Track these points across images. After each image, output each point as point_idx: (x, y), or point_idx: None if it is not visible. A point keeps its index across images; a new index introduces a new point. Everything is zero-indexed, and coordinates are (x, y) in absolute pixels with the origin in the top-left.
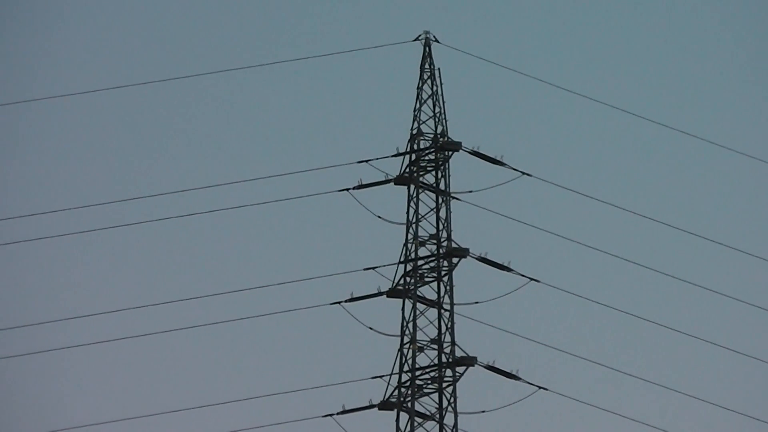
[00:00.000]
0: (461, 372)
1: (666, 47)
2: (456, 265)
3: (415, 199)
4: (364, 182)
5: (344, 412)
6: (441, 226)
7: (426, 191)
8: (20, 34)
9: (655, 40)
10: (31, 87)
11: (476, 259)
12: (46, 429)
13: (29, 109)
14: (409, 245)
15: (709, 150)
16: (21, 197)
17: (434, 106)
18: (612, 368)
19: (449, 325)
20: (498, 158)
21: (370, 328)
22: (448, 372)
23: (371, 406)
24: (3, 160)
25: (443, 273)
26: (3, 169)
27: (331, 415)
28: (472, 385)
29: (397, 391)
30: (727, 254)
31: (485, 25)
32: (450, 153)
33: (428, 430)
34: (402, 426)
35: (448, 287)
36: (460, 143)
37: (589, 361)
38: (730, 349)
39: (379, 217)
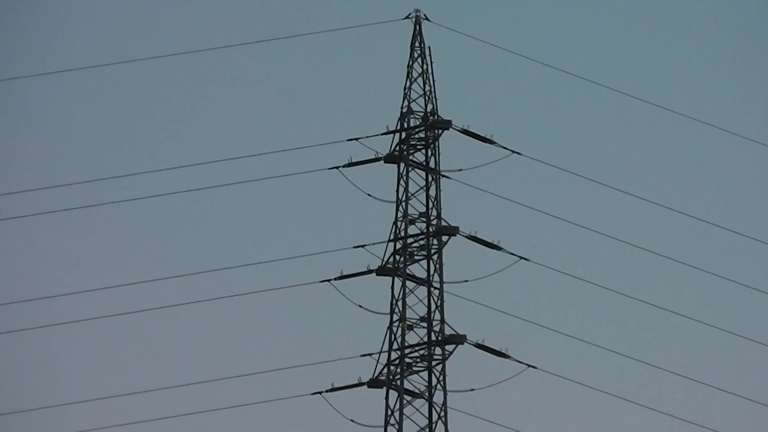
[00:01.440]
0: (450, 350)
1: (657, 26)
2: (446, 243)
3: (404, 178)
4: (353, 160)
5: (333, 389)
6: (431, 205)
7: (416, 169)
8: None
9: (645, 20)
10: (22, 63)
11: (466, 237)
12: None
13: (21, 86)
14: (399, 223)
15: (701, 129)
16: (13, 173)
17: (424, 84)
18: (601, 346)
19: (439, 304)
20: (488, 137)
21: (360, 306)
22: (438, 350)
23: (360, 384)
24: None
25: (433, 251)
26: None
27: (320, 392)
28: (461, 364)
29: (386, 369)
30: (718, 234)
31: (476, 3)
32: (440, 131)
33: (417, 408)
34: (391, 404)
35: (437, 265)
36: (450, 122)
37: (578, 339)
38: (720, 328)
39: (369, 195)
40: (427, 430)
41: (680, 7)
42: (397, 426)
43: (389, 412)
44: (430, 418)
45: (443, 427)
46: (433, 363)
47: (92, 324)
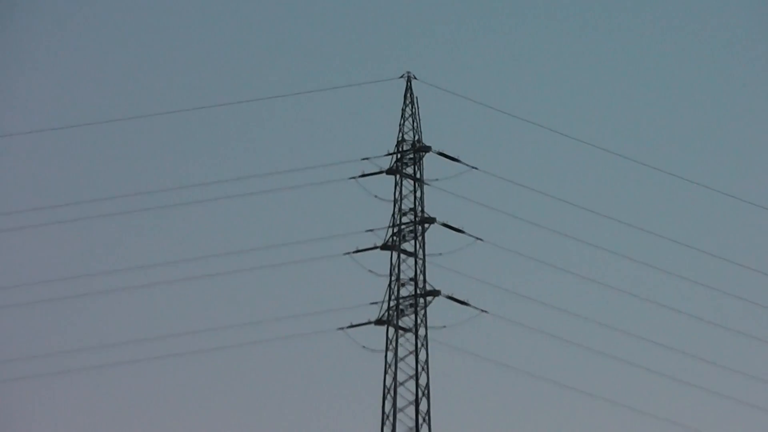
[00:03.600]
0: (430, 300)
1: (611, 81)
2: (428, 228)
3: (399, 185)
4: (365, 173)
5: (351, 326)
6: (417, 203)
7: (407, 179)
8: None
9: (597, 75)
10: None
11: (441, 225)
12: None
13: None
14: (396, 216)
15: (636, 166)
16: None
17: (413, 122)
18: (534, 299)
19: (422, 269)
20: (456, 157)
21: (370, 271)
22: (421, 300)
23: (369, 323)
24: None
25: (419, 234)
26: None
27: (342, 328)
28: (437, 309)
29: (387, 313)
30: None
31: (453, 66)
32: (424, 153)
33: (408, 339)
34: (390, 336)
35: (422, 243)
36: (430, 147)
37: (517, 294)
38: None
39: (376, 196)
40: (413, 353)
41: (652, 61)
42: (393, 351)
43: (388, 341)
44: (416, 345)
45: (425, 351)
46: (419, 308)
47: (148, 286)
